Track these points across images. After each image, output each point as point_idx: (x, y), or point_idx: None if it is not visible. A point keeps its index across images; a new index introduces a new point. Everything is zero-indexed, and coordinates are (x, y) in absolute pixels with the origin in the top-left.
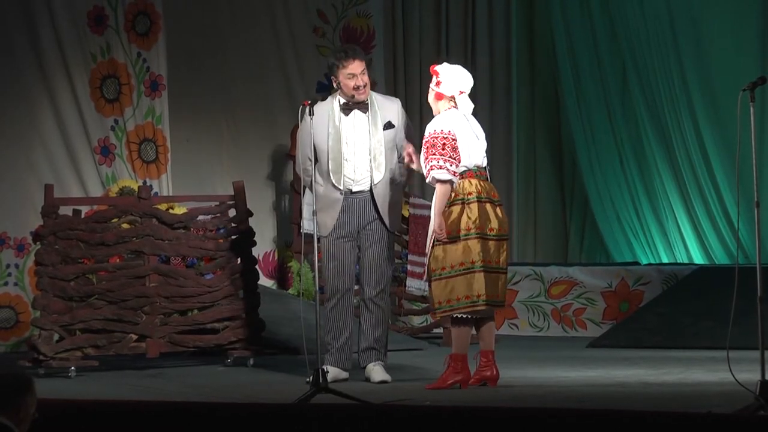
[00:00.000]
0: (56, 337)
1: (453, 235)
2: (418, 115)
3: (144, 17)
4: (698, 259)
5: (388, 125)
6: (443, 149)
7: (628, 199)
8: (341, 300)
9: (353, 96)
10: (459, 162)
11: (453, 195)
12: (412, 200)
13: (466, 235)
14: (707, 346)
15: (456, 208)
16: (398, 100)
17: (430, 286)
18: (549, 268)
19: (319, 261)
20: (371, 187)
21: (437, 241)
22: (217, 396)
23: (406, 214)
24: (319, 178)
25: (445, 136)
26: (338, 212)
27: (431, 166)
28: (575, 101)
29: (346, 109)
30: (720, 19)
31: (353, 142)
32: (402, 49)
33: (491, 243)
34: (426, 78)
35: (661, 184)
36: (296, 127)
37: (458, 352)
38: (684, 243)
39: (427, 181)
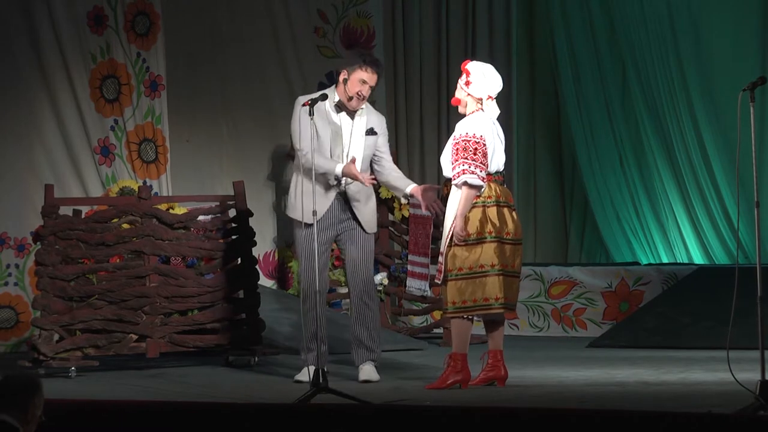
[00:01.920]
0: (56, 337)
1: (472, 238)
2: (418, 115)
3: (143, 17)
4: (698, 259)
5: (371, 131)
6: (475, 154)
7: (628, 199)
8: (318, 301)
9: (350, 99)
10: (486, 168)
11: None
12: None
13: (483, 238)
14: (707, 346)
15: (475, 211)
16: (384, 118)
17: (445, 284)
18: (549, 268)
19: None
20: (345, 187)
21: (456, 242)
22: (217, 396)
23: (406, 214)
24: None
25: (477, 141)
26: (330, 201)
27: (463, 169)
28: (575, 101)
29: (338, 107)
30: (720, 19)
31: (354, 141)
32: (402, 49)
33: (507, 247)
34: (426, 78)
35: (661, 184)
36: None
37: (458, 351)
38: (684, 243)
39: (454, 182)
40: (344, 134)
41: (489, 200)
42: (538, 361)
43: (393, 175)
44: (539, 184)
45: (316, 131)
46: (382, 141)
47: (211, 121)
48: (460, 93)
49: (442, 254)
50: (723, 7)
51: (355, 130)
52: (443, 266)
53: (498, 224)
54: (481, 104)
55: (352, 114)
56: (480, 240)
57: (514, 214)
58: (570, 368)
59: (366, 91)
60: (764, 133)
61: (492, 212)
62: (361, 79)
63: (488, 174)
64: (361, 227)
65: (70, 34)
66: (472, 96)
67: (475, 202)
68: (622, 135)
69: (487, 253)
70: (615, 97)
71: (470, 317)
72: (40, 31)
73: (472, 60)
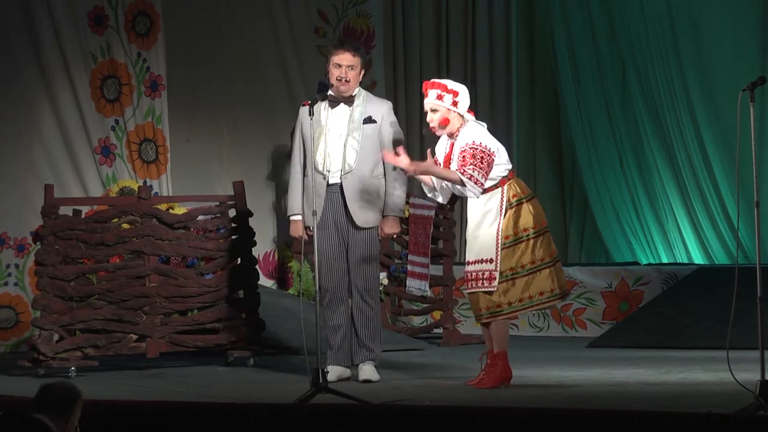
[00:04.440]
0: (56, 337)
1: (510, 240)
2: (417, 114)
3: (144, 17)
4: (698, 259)
5: (368, 120)
6: (482, 163)
7: (628, 199)
8: (333, 298)
9: (335, 86)
10: (488, 177)
11: (512, 197)
12: (412, 200)
13: (528, 236)
14: (707, 346)
15: (519, 209)
16: (390, 103)
17: (502, 286)
18: None
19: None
20: (341, 178)
21: (504, 244)
22: (217, 396)
23: (406, 214)
24: (307, 171)
25: (484, 150)
26: (323, 199)
27: (472, 176)
28: (575, 102)
29: (333, 101)
30: (720, 19)
31: (334, 134)
32: (402, 49)
33: (547, 235)
34: (426, 78)
35: (661, 184)
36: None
37: (503, 349)
38: (684, 243)
39: (459, 186)
40: (329, 135)
41: (514, 199)
42: (538, 361)
43: (388, 193)
44: (539, 184)
45: (302, 136)
46: (386, 134)
47: (211, 121)
48: (447, 114)
49: (486, 261)
50: (723, 7)
51: (343, 119)
52: (496, 272)
53: (535, 217)
54: (463, 119)
55: (349, 104)
56: (523, 238)
57: (538, 202)
58: (570, 368)
59: (344, 72)
60: (764, 133)
61: (525, 209)
62: (334, 63)
63: (510, 171)
64: (357, 224)
65: (70, 34)
66: (458, 113)
67: (514, 200)
68: (622, 135)
69: (536, 249)
70: (615, 97)
71: (538, 311)
72: (40, 31)
73: (434, 78)
